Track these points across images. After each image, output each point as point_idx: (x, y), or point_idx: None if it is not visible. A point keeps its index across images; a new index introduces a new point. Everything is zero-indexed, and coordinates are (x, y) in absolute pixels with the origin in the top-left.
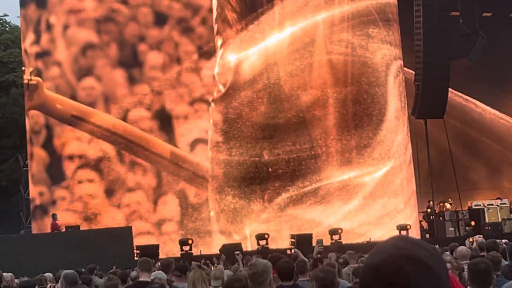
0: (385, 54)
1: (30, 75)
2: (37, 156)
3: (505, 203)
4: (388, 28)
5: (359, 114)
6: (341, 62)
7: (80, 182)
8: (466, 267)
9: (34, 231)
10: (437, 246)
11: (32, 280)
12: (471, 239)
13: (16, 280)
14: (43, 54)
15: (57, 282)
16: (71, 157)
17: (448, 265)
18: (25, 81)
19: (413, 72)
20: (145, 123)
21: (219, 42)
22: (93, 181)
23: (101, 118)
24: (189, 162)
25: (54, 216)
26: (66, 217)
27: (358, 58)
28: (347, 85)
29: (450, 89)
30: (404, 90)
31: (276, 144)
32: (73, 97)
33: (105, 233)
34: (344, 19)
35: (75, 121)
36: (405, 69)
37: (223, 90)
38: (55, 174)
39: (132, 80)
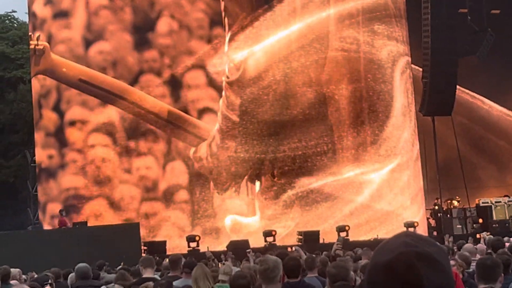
0: (391, 50)
1: (37, 40)
2: (47, 118)
3: None
4: (395, 25)
5: (365, 111)
6: (346, 58)
7: (92, 146)
8: (474, 264)
9: (40, 196)
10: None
11: (43, 276)
12: (478, 236)
13: (24, 276)
14: (55, 16)
15: (65, 279)
16: (80, 122)
17: (452, 262)
18: (32, 46)
19: (421, 69)
20: (156, 89)
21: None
22: (106, 146)
23: (109, 82)
24: (190, 123)
25: (61, 212)
26: (74, 181)
27: (364, 55)
28: (353, 82)
29: (457, 86)
30: (412, 86)
31: (281, 141)
32: (84, 60)
33: (113, 229)
34: (350, 15)
35: (82, 85)
36: (413, 66)
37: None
38: (63, 138)
39: (142, 46)
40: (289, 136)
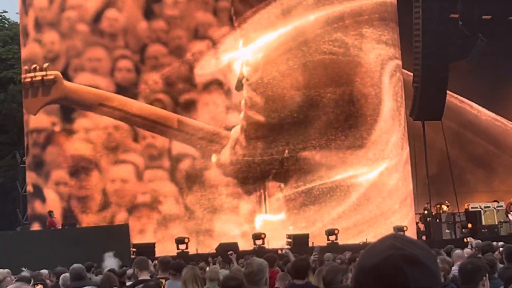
0: (380, 54)
1: (46, 70)
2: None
3: (501, 206)
4: (383, 28)
5: (353, 114)
6: (334, 62)
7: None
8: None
9: (29, 159)
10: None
11: (28, 275)
12: (465, 240)
13: (13, 277)
14: None
15: (57, 279)
16: None
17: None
18: (38, 78)
19: (412, 74)
20: (162, 58)
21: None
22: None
23: (123, 103)
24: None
25: (50, 213)
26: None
27: (352, 58)
28: (341, 85)
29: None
30: (401, 90)
31: (270, 144)
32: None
33: (102, 230)
34: (338, 19)
35: (103, 109)
36: (404, 71)
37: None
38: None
39: (150, 16)
40: (276, 139)
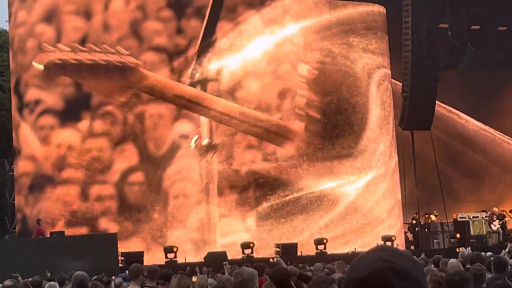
0: (367, 63)
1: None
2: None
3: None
4: (371, 37)
5: (340, 123)
6: (321, 71)
7: None
8: None
9: None
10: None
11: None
12: (458, 250)
13: (0, 285)
14: None
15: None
16: None
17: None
18: (117, 58)
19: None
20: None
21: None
22: None
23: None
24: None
25: (38, 222)
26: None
27: (339, 67)
28: (328, 94)
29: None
30: (390, 99)
31: (257, 153)
32: None
33: (90, 239)
34: (325, 28)
35: (178, 100)
36: (394, 81)
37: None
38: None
39: None
40: (264, 148)
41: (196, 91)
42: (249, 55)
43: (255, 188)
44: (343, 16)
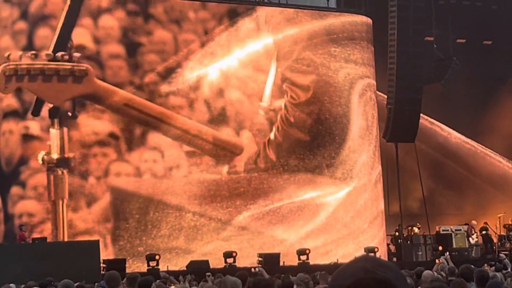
0: (348, 73)
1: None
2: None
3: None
4: (353, 47)
5: (321, 133)
6: (302, 81)
7: None
8: None
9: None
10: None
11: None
12: (437, 261)
13: None
14: None
15: None
16: None
17: None
18: (68, 66)
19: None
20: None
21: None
22: None
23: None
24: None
25: (21, 227)
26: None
27: (320, 77)
28: (309, 104)
29: None
30: (373, 109)
31: (237, 162)
32: None
33: (72, 245)
34: (307, 37)
35: (127, 110)
36: (379, 93)
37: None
38: None
39: None
40: (244, 157)
41: (166, 111)
42: (229, 65)
43: (235, 198)
44: (325, 26)
